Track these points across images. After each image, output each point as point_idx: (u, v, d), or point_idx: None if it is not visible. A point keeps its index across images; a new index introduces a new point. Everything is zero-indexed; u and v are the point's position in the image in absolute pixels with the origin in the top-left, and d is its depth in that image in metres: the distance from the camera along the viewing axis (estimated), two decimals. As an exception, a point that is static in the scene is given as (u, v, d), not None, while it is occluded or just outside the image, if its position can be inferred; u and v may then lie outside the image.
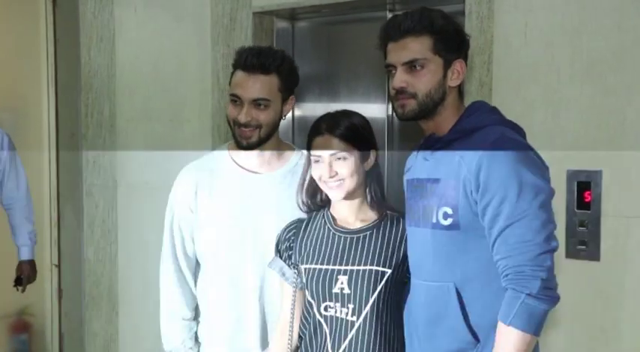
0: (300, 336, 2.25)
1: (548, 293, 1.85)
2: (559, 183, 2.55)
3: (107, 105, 4.06)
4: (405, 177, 2.23)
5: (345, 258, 2.17)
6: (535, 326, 1.85)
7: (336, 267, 2.16)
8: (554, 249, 1.88)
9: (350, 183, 2.16)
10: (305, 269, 2.20)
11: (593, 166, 2.62)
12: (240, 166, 2.42)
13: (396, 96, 2.03)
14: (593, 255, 2.61)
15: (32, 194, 3.91)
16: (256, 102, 2.29)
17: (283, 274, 2.26)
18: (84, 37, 4.16)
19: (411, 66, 2.00)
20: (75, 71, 4.27)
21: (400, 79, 2.01)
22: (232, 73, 2.37)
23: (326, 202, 2.27)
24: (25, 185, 3.84)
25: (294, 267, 2.23)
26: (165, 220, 2.51)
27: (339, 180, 2.14)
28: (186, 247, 2.47)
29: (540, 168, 1.96)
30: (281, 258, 2.27)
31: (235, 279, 2.40)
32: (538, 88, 2.73)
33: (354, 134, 2.17)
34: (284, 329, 2.26)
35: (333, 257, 2.18)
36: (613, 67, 2.60)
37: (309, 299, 2.19)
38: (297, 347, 2.26)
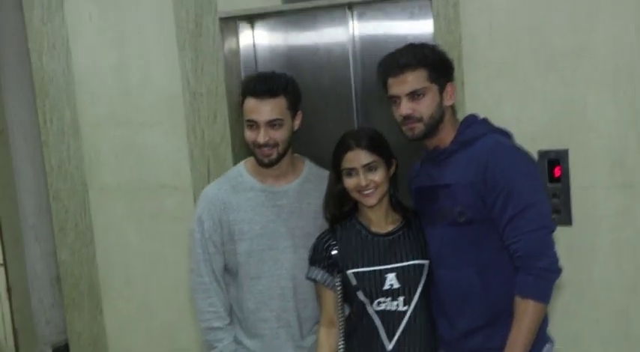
0: (347, 332, 2.53)
1: (555, 266, 2.25)
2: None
3: (68, 112, 4.11)
4: (412, 186, 2.60)
5: (388, 257, 2.47)
6: (547, 296, 2.26)
7: (383, 267, 2.46)
8: (554, 229, 2.29)
9: (383, 189, 2.48)
10: (353, 273, 2.47)
11: (560, 146, 3.04)
12: (261, 181, 2.67)
13: (403, 122, 2.40)
14: (566, 220, 3.05)
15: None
16: (271, 124, 2.53)
17: (324, 281, 2.53)
18: (33, 43, 4.17)
19: (414, 95, 2.35)
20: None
21: (406, 107, 2.36)
22: (243, 101, 2.59)
23: (352, 211, 2.57)
24: None
25: (336, 273, 2.49)
26: (193, 238, 2.67)
27: (374, 187, 2.45)
28: (218, 260, 2.66)
29: (532, 163, 2.39)
30: (318, 266, 2.54)
31: (272, 283, 2.64)
32: (505, 82, 3.09)
33: (380, 145, 2.49)
34: (330, 324, 2.55)
35: (377, 259, 2.47)
36: (573, 62, 2.99)
37: (361, 298, 2.46)
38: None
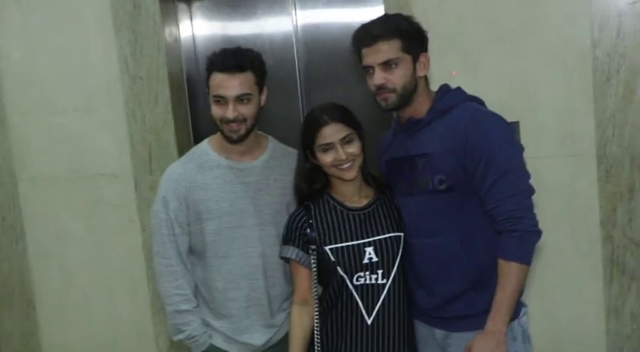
0: (325, 308, 2.49)
1: (536, 228, 2.29)
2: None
3: (-8, 99, 3.92)
4: (384, 158, 2.60)
5: (365, 231, 2.46)
6: (530, 258, 2.29)
7: (361, 241, 2.44)
8: (533, 192, 2.33)
9: (360, 161, 2.46)
10: (331, 249, 2.44)
11: (511, 118, 3.10)
12: (227, 158, 2.61)
13: (377, 92, 2.40)
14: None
15: None
16: (240, 98, 2.49)
17: (300, 259, 2.49)
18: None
19: (387, 65, 2.36)
20: None
21: (379, 77, 2.37)
22: (208, 76, 2.53)
23: (323, 187, 2.55)
24: None
25: (311, 251, 2.46)
26: (157, 219, 2.59)
27: (351, 160, 2.43)
28: (184, 241, 2.59)
29: (510, 130, 2.41)
30: (293, 245, 2.50)
31: (241, 261, 2.58)
32: (456, 56, 3.16)
33: (352, 117, 2.47)
34: (304, 302, 2.51)
35: (355, 233, 2.45)
36: (521, 36, 3.08)
37: (341, 273, 2.42)
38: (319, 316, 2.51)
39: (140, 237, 3.77)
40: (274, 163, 2.67)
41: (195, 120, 3.81)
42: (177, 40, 3.71)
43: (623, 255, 3.09)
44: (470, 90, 3.02)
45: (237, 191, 2.59)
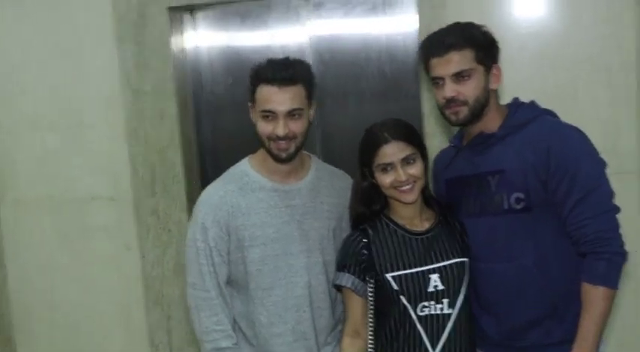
0: (383, 342, 2.29)
1: (623, 249, 2.14)
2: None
3: (-28, 114, 3.58)
4: (443, 177, 2.43)
5: (429, 257, 2.26)
6: (618, 282, 2.13)
7: (425, 268, 2.25)
8: (619, 211, 2.18)
9: (422, 183, 2.27)
10: (394, 277, 2.24)
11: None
12: (271, 180, 2.40)
13: (447, 105, 2.24)
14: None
15: None
16: (291, 114, 2.29)
17: (355, 288, 2.28)
18: None
19: (459, 77, 2.21)
20: None
21: (451, 88, 2.22)
22: (254, 90, 2.34)
23: (381, 210, 2.35)
24: None
25: (370, 278, 2.26)
26: (194, 247, 2.37)
27: (412, 182, 2.24)
28: (224, 271, 2.38)
29: (592, 144, 2.25)
30: (349, 271, 2.29)
31: (287, 292, 2.38)
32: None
33: (415, 135, 2.29)
34: (356, 334, 2.31)
35: (418, 259, 2.26)
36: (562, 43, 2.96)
37: (405, 303, 2.23)
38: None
39: (139, 265, 3.49)
40: (320, 184, 2.46)
41: (202, 140, 3.54)
42: (183, 51, 3.46)
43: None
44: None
45: (283, 215, 2.38)
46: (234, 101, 3.48)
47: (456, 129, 2.50)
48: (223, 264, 2.37)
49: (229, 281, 2.40)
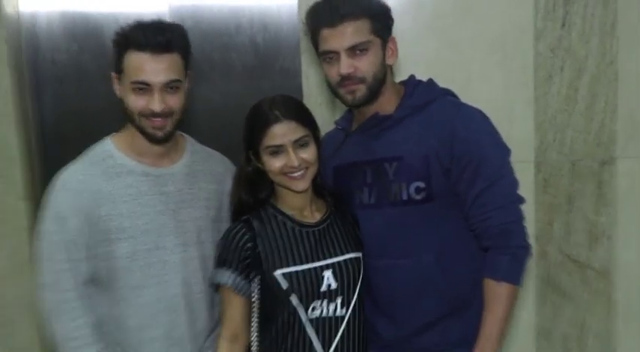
0: (267, 347, 2.08)
1: (528, 243, 2.02)
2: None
3: None
4: (330, 164, 2.20)
5: (322, 252, 2.06)
6: (522, 278, 2.00)
7: (318, 264, 2.04)
8: (524, 201, 2.04)
9: (314, 169, 2.05)
10: (283, 274, 2.01)
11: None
12: (140, 162, 2.12)
13: (342, 83, 2.03)
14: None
15: None
16: (168, 86, 2.03)
17: (237, 287, 2.03)
18: None
19: (355, 50, 1.99)
20: None
21: (347, 64, 1.98)
22: (120, 58, 2.03)
23: (268, 197, 2.11)
24: None
25: (253, 276, 2.02)
26: (48, 241, 2.06)
27: (305, 168, 2.01)
28: (84, 269, 2.07)
29: (495, 128, 2.08)
30: (230, 268, 2.03)
31: (159, 292, 2.12)
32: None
33: (308, 115, 2.06)
34: (234, 338, 2.07)
35: (311, 254, 2.05)
36: (456, 23, 2.73)
37: (294, 304, 2.01)
38: None
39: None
40: (197, 168, 2.22)
41: (42, 115, 3.07)
42: (17, 13, 2.95)
43: (558, 273, 2.81)
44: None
45: (156, 204, 2.11)
46: (81, 70, 3.04)
47: (339, 111, 2.23)
48: (84, 261, 2.06)
49: (92, 280, 2.10)
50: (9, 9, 2.89)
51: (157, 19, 2.05)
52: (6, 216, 2.97)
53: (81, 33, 3.05)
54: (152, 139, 2.06)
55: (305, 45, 2.74)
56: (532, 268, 2.85)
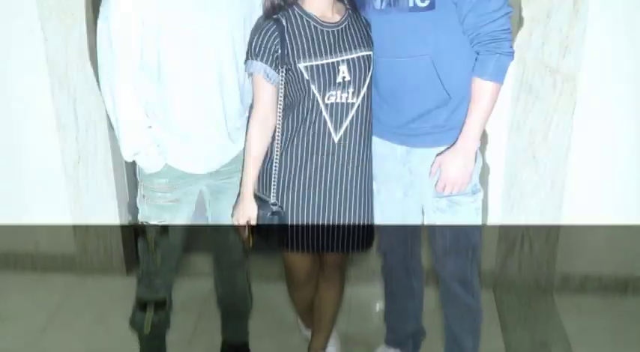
0: (289, 128, 2.48)
1: (512, 50, 2.34)
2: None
3: None
4: None
5: (340, 48, 2.40)
6: (504, 77, 2.35)
7: (336, 59, 2.40)
8: (512, 13, 2.35)
9: None
10: (306, 67, 2.38)
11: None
12: None
13: None
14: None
15: None
16: None
17: (267, 75, 2.40)
18: None
19: None
20: None
21: None
22: None
23: (296, 0, 2.43)
24: None
25: (281, 66, 2.38)
26: (109, 31, 2.34)
27: None
28: (136, 56, 2.39)
29: None
30: (261, 60, 2.39)
31: (197, 78, 2.44)
32: None
33: None
34: (265, 120, 2.47)
35: (330, 50, 2.40)
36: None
37: (314, 91, 2.40)
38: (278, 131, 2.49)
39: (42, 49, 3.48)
40: None
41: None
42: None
43: (532, 77, 3.31)
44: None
45: (195, 5, 2.36)
46: None
47: None
48: (137, 48, 2.35)
49: (142, 67, 2.40)
50: None
51: None
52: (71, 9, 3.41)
53: None
54: None
55: None
56: (511, 72, 3.31)
